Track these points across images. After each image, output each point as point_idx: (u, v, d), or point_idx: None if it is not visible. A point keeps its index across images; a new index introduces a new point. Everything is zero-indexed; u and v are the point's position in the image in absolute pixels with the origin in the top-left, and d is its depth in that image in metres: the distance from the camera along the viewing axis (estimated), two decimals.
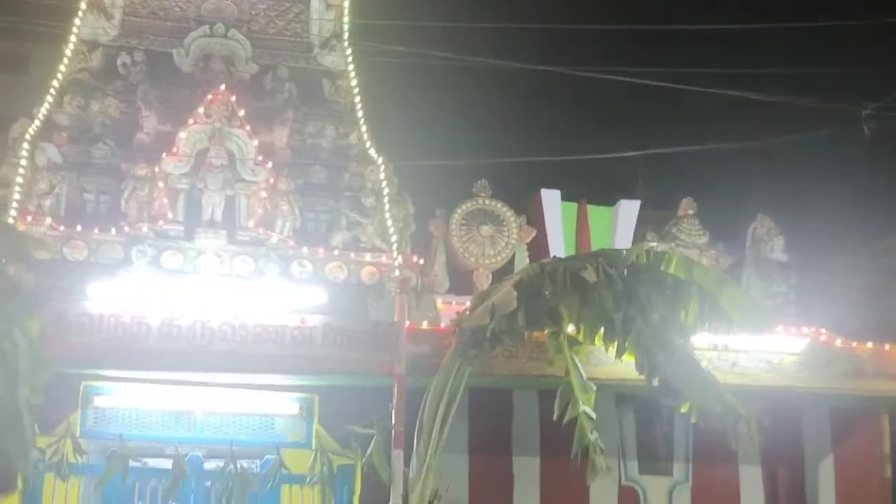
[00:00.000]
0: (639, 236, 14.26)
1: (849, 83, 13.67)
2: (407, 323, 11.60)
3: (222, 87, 12.97)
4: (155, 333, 11.19)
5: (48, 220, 12.17)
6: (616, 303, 10.60)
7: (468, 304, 11.40)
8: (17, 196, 12.21)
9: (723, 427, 10.49)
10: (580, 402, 10.82)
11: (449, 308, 12.70)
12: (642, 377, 10.85)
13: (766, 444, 13.07)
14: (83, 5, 13.52)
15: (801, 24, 14.21)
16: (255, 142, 12.78)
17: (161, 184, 12.44)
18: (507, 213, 14.00)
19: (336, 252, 12.77)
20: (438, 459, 10.89)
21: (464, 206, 13.93)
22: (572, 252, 13.77)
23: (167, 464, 11.23)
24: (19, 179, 12.27)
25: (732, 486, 13.57)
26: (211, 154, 12.59)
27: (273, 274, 12.39)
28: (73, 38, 13.38)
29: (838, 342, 12.88)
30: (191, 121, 12.71)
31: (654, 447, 13.41)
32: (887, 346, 12.84)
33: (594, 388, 11.01)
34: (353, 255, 12.78)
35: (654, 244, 13.36)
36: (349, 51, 14.04)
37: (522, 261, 13.70)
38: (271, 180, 12.71)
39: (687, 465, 13.49)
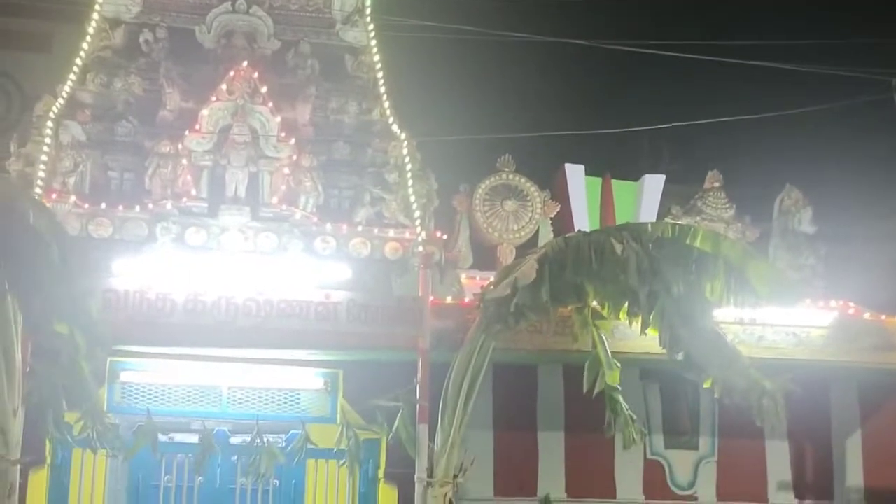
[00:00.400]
0: (664, 211, 14.17)
1: (876, 53, 13.47)
2: (431, 298, 11.61)
3: (245, 63, 12.96)
4: (180, 309, 11.22)
5: (73, 198, 12.23)
6: (641, 277, 10.54)
7: (492, 278, 11.38)
8: (41, 174, 12.26)
9: (747, 403, 10.45)
10: (607, 374, 10.84)
11: (473, 283, 12.66)
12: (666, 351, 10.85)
13: (793, 418, 13.07)
14: None
15: None
16: (278, 118, 12.78)
17: (184, 161, 12.46)
18: (531, 188, 13.93)
19: (359, 228, 12.78)
20: (463, 434, 10.95)
21: (487, 182, 13.87)
22: (597, 227, 13.71)
23: (193, 438, 11.28)
24: (44, 157, 12.33)
25: (759, 461, 13.52)
26: (234, 131, 12.60)
27: (297, 250, 12.41)
28: (95, 16, 13.39)
29: (867, 315, 12.76)
30: (213, 97, 12.71)
31: (679, 421, 13.37)
32: None
33: (619, 365, 11.01)
34: (376, 230, 12.79)
35: (680, 216, 13.31)
36: (371, 26, 13.98)
37: (546, 236, 13.65)
38: (294, 157, 12.70)
39: (713, 439, 13.46)
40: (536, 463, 12.98)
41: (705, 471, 13.44)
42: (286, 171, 12.63)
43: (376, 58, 13.86)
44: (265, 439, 11.03)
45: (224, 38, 13.54)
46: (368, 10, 14.03)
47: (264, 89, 12.83)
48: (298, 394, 12.23)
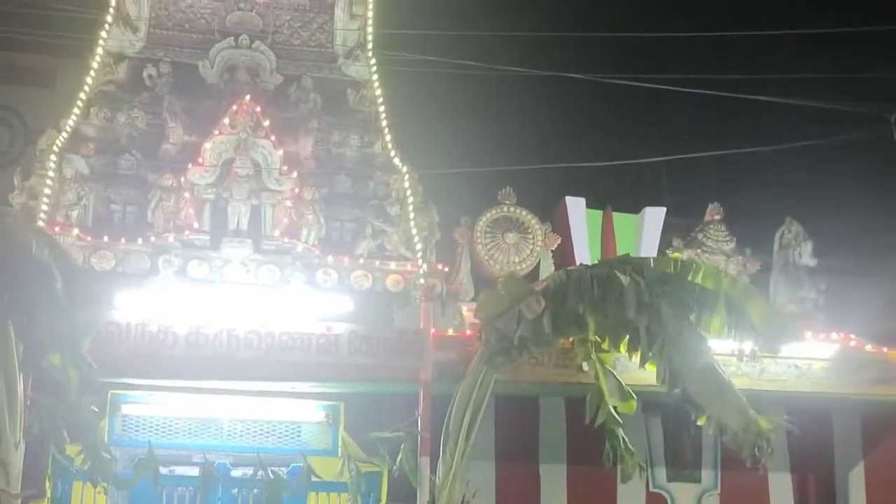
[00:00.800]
0: (664, 243, 14.20)
1: (875, 88, 13.58)
2: (432, 330, 11.64)
3: (247, 97, 13.05)
4: (182, 342, 11.21)
5: (76, 231, 12.27)
6: (641, 311, 10.63)
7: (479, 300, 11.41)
8: (45, 207, 12.31)
9: (742, 442, 10.45)
10: (609, 407, 10.83)
11: (473, 315, 12.63)
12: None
13: (796, 451, 13.15)
14: (109, 19, 13.64)
15: (828, 31, 14.14)
16: (280, 151, 12.85)
17: (187, 194, 12.52)
18: (532, 221, 13.97)
19: (361, 260, 12.82)
20: (465, 466, 10.92)
21: (488, 214, 13.91)
22: (598, 260, 13.73)
23: (194, 471, 11.27)
24: (47, 190, 12.38)
25: (762, 494, 13.46)
26: (236, 164, 12.67)
27: (299, 282, 12.44)
28: (99, 51, 13.50)
29: (868, 348, 12.74)
30: (216, 131, 12.79)
31: (682, 454, 13.33)
32: None
33: (634, 395, 11.00)
34: (378, 263, 12.83)
35: (679, 255, 13.35)
36: (373, 60, 14.11)
37: (548, 268, 13.68)
38: (296, 190, 12.77)
39: (716, 471, 13.41)
40: (538, 495, 12.92)
41: None
42: (288, 203, 12.69)
43: (378, 92, 13.97)
44: (268, 472, 11.00)
45: (227, 72, 13.65)
46: (370, 45, 14.17)
47: (267, 123, 12.91)
48: (300, 426, 12.19)
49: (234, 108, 12.89)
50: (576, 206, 14.36)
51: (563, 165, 13.79)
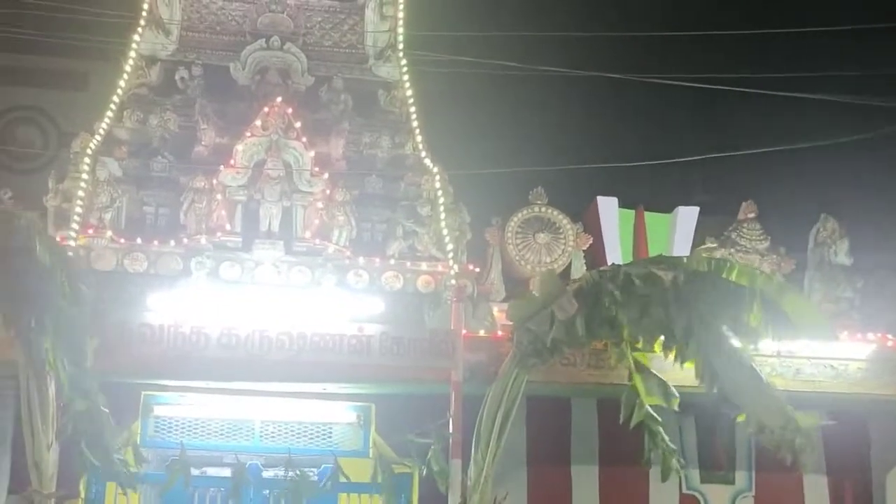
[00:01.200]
0: (697, 243, 14.07)
1: None
2: (464, 331, 11.61)
3: (278, 99, 13.08)
4: (214, 343, 11.26)
5: (109, 233, 12.35)
6: (676, 310, 10.57)
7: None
8: (78, 209, 12.41)
9: (780, 440, 10.35)
10: (646, 406, 10.75)
11: (505, 316, 12.59)
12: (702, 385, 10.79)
13: (832, 452, 12.97)
14: (142, 22, 13.73)
15: (862, 27, 13.98)
16: (312, 153, 12.87)
17: (219, 196, 12.57)
18: (564, 221, 13.90)
19: (392, 261, 12.83)
20: (496, 468, 10.88)
21: (520, 214, 13.85)
22: (630, 259, 13.69)
23: (226, 472, 11.33)
24: (81, 193, 12.47)
25: (797, 496, 13.28)
26: (268, 166, 12.70)
27: (330, 284, 12.45)
28: (132, 55, 13.58)
29: None
30: (248, 133, 12.83)
31: (715, 455, 13.18)
32: None
33: (676, 394, 10.91)
34: (409, 264, 12.82)
35: (714, 247, 13.24)
36: (404, 61, 14.09)
37: (579, 268, 13.61)
38: (327, 191, 12.79)
39: (750, 473, 13.25)
40: (570, 497, 12.82)
41: None
42: (319, 205, 12.71)
43: (409, 92, 13.96)
44: (298, 473, 11.02)
45: (258, 74, 13.69)
46: (401, 46, 14.16)
47: (298, 124, 12.94)
48: (331, 427, 12.22)
49: (266, 109, 12.93)
50: (608, 206, 14.28)
51: (594, 166, 13.72)
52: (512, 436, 11.08)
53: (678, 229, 14.23)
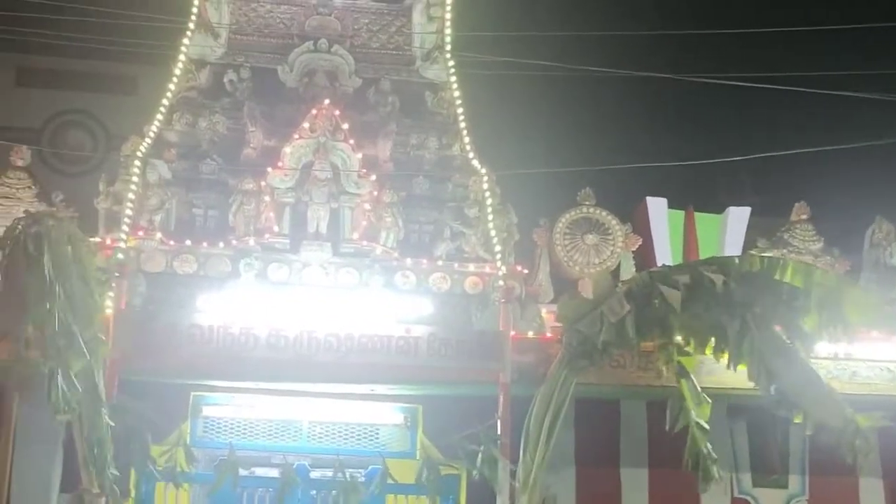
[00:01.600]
0: (749, 244, 13.91)
1: None
2: (512, 332, 11.56)
3: (326, 101, 13.10)
4: (262, 344, 11.30)
5: (158, 235, 12.44)
6: (729, 311, 10.44)
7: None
8: (128, 212, 12.49)
9: (839, 441, 10.18)
10: (692, 412, 10.62)
11: (553, 317, 12.54)
12: (755, 387, 10.64)
13: (888, 455, 12.72)
14: (191, 26, 13.82)
15: None
16: (359, 155, 12.88)
17: (267, 198, 12.61)
18: (612, 222, 13.79)
19: (440, 263, 12.80)
20: (545, 470, 10.80)
21: (568, 215, 13.76)
22: (680, 261, 13.55)
23: (274, 473, 11.34)
24: (131, 196, 12.55)
25: (852, 500, 13.06)
26: (316, 167, 12.73)
27: (377, 285, 12.45)
28: (181, 58, 13.67)
29: None
30: (296, 135, 12.87)
31: (768, 459, 12.99)
32: None
33: (709, 400, 10.80)
34: (456, 265, 12.79)
35: (766, 249, 13.09)
36: (451, 62, 14.06)
37: (628, 269, 13.49)
38: (375, 192, 12.78)
39: (803, 477, 13.05)
40: (619, 500, 12.70)
41: None
42: (367, 207, 12.71)
43: (456, 94, 13.92)
44: (346, 474, 11.02)
45: (306, 76, 13.73)
46: (448, 47, 14.11)
47: (345, 126, 12.95)
48: (378, 428, 12.23)
49: (314, 111, 12.96)
50: (657, 207, 14.15)
51: (643, 165, 13.58)
52: (561, 438, 11.01)
53: (729, 230, 14.06)
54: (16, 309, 9.65)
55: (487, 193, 13.16)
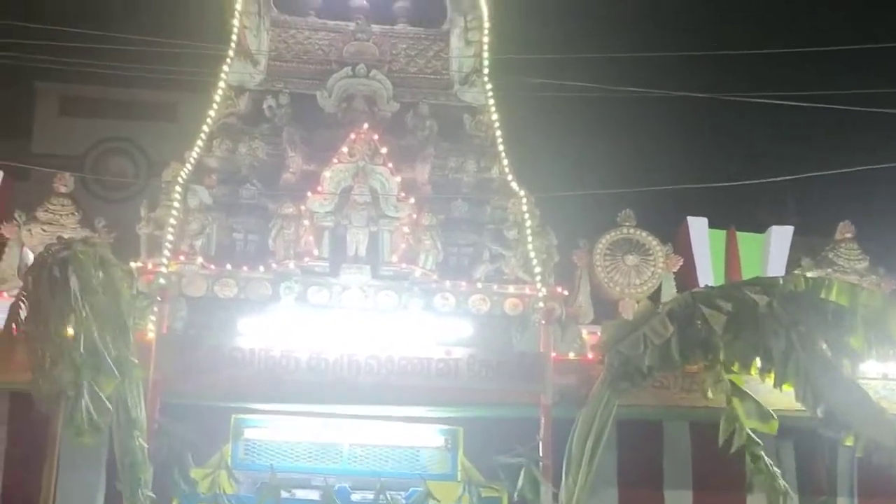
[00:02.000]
0: (792, 263, 13.75)
1: None
2: (553, 354, 11.48)
3: (365, 125, 13.18)
4: (303, 367, 11.29)
5: (200, 260, 12.52)
6: (774, 332, 10.35)
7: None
8: (170, 237, 12.59)
9: (892, 462, 9.99)
10: (746, 430, 10.47)
11: (594, 339, 12.43)
12: (802, 408, 10.48)
13: None
14: (231, 53, 13.97)
15: None
16: (398, 178, 12.92)
17: (307, 222, 12.67)
18: (653, 242, 13.71)
19: (479, 285, 12.77)
20: (588, 492, 10.68)
21: (608, 236, 13.70)
22: (722, 281, 13.42)
23: (315, 495, 11.32)
24: (172, 221, 12.66)
25: None
26: (355, 192, 12.79)
27: (417, 307, 12.44)
28: (221, 85, 13.81)
29: None
30: (335, 160, 12.94)
31: (816, 481, 12.71)
32: None
33: (774, 416, 10.65)
34: (496, 287, 12.76)
35: (811, 269, 12.94)
36: (489, 86, 14.11)
37: (670, 290, 13.39)
38: (414, 215, 12.81)
39: (852, 499, 12.71)
40: None
41: None
42: (406, 230, 12.73)
43: (494, 116, 13.95)
44: (387, 496, 10.96)
45: (345, 101, 13.83)
46: (486, 70, 14.17)
47: (384, 150, 13.01)
48: (419, 451, 12.15)
49: (352, 136, 13.03)
50: (698, 227, 14.05)
51: (683, 186, 13.49)
52: (603, 460, 10.90)
53: (772, 249, 13.94)
54: (42, 332, 9.71)
55: (526, 215, 13.13)
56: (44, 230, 12.82)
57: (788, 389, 10.49)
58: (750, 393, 10.82)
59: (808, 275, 12.06)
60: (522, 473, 10.95)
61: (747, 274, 13.22)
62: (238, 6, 14.00)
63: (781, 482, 10.53)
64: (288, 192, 13.02)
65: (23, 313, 9.87)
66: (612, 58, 14.22)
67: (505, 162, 13.66)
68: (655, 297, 13.16)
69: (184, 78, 14.41)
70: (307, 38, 14.36)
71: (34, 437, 10.38)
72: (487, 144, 13.85)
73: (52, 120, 16.52)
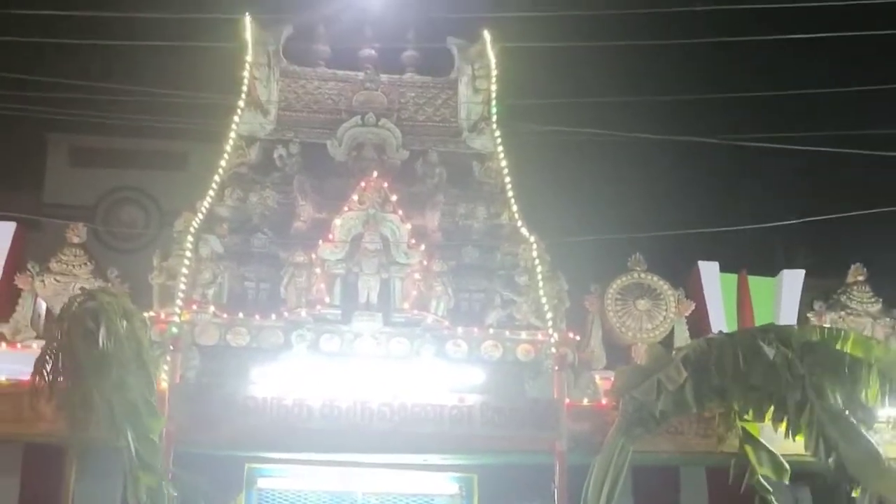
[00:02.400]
0: (805, 306, 13.73)
1: None
2: (566, 400, 11.43)
3: (375, 174, 13.25)
4: (316, 415, 11.21)
5: (212, 308, 12.52)
6: (789, 381, 10.39)
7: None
8: (182, 286, 12.60)
9: None
10: (757, 474, 10.42)
11: (607, 384, 12.38)
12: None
13: None
14: (241, 103, 14.08)
15: None
16: (408, 225, 12.96)
17: (318, 269, 12.68)
18: (664, 287, 13.71)
19: (491, 331, 12.76)
20: None
21: (619, 281, 13.71)
22: (734, 326, 13.42)
23: None
24: (184, 270, 12.68)
25: None
26: (365, 239, 12.83)
27: (429, 354, 12.41)
28: (232, 135, 13.89)
29: None
30: (345, 208, 13.00)
31: None
32: None
33: (787, 467, 10.64)
34: (508, 333, 12.74)
35: (823, 312, 12.92)
36: (497, 132, 14.19)
37: (682, 335, 13.38)
38: (425, 262, 12.82)
39: None
40: None
41: None
42: (417, 276, 12.74)
43: (503, 163, 14.02)
44: None
45: (354, 150, 13.92)
46: (494, 118, 14.26)
47: (394, 198, 13.07)
48: (433, 499, 12.10)
49: (363, 184, 13.09)
50: (709, 271, 14.06)
51: (693, 231, 13.49)
52: None
53: (784, 293, 13.93)
54: (74, 382, 9.70)
55: (537, 261, 13.15)
56: (57, 280, 12.84)
57: (801, 439, 10.47)
58: (763, 442, 10.80)
59: (824, 326, 12.11)
60: None
61: (760, 318, 13.24)
62: (248, 57, 14.13)
63: None
64: (299, 241, 13.05)
65: (48, 365, 9.85)
66: (621, 103, 14.30)
67: (514, 208, 13.71)
68: (668, 341, 13.12)
69: (195, 128, 14.51)
70: (317, 88, 14.49)
71: (46, 489, 10.33)
72: (497, 191, 13.90)
73: (63, 170, 16.57)
